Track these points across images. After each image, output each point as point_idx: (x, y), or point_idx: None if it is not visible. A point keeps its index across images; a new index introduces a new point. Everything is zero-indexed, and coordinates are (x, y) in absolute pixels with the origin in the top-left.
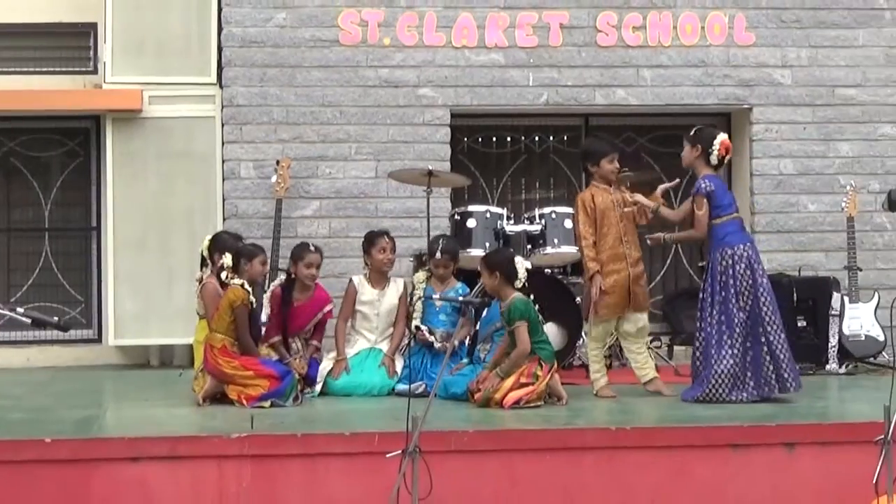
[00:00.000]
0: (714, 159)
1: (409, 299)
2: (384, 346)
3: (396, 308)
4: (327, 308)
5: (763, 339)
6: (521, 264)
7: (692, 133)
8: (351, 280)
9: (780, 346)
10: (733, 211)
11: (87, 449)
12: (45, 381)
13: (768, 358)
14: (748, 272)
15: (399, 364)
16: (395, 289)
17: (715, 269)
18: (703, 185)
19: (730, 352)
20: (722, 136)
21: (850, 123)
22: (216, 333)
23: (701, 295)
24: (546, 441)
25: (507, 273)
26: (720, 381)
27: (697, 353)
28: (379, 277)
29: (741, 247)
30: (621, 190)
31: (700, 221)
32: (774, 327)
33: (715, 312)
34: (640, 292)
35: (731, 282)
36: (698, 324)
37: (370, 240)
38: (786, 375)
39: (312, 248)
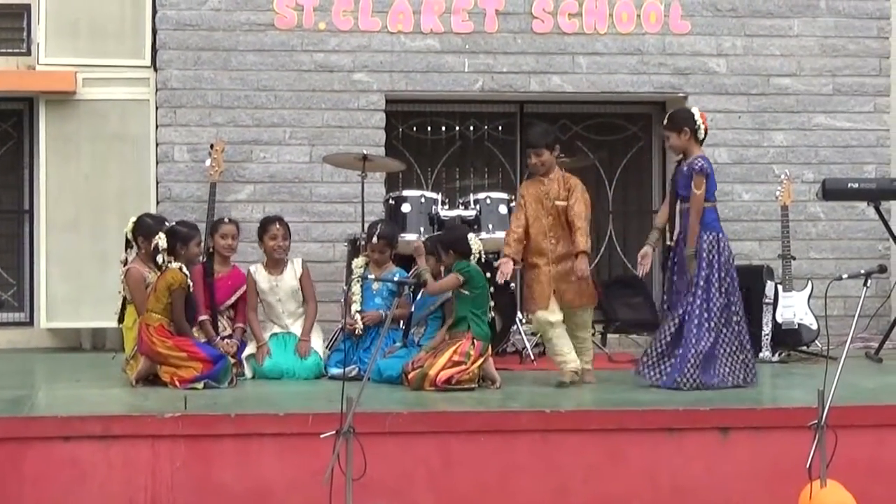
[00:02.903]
0: (702, 134)
1: (347, 282)
2: (298, 329)
3: (298, 289)
4: (243, 288)
5: (737, 328)
6: (475, 241)
7: (670, 120)
8: (248, 271)
9: (747, 338)
10: (714, 199)
11: (19, 427)
12: None
13: (739, 346)
14: (729, 260)
15: (317, 341)
16: (291, 271)
17: (702, 249)
18: (703, 165)
19: (707, 334)
20: (697, 110)
21: (785, 113)
22: (153, 313)
23: (674, 277)
24: (481, 423)
25: (461, 251)
26: (696, 361)
27: (667, 335)
28: (275, 263)
29: (722, 235)
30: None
31: (699, 200)
32: (742, 317)
33: (700, 292)
34: (566, 289)
35: (716, 265)
36: (673, 304)
37: (263, 226)
38: (750, 366)
39: (227, 220)
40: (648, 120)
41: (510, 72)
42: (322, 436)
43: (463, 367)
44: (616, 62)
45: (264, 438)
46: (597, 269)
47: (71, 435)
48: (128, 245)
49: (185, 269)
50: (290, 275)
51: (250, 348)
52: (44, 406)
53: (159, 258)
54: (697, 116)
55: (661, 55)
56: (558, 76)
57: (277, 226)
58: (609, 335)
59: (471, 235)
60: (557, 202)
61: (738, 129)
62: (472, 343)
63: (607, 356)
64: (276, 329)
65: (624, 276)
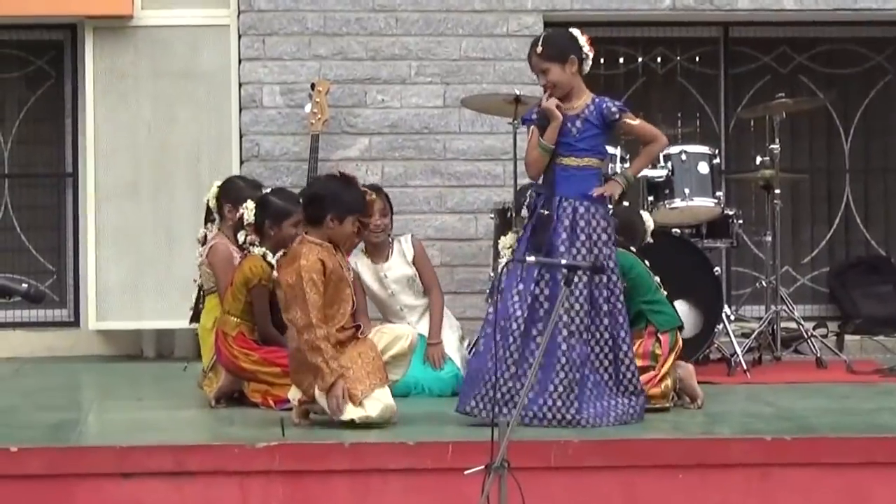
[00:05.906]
0: (588, 66)
1: (495, 267)
2: (424, 328)
3: (414, 276)
4: None
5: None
6: (649, 221)
7: (548, 45)
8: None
9: None
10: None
11: (66, 461)
12: (8, 376)
13: None
14: None
15: (451, 341)
16: (399, 254)
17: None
18: (615, 101)
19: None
20: (576, 31)
21: None
22: (230, 317)
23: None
24: (677, 455)
25: (630, 235)
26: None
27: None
28: (376, 248)
29: None
30: None
31: (647, 128)
32: None
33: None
34: None
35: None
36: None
37: None
38: None
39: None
40: None
41: None
42: (467, 472)
43: (651, 372)
44: None
45: (388, 475)
46: (829, 247)
47: (133, 471)
48: (208, 217)
49: (269, 257)
50: (399, 259)
51: None
52: (96, 433)
53: (240, 235)
54: (584, 41)
55: None
56: None
57: (373, 197)
58: (847, 336)
59: (644, 214)
60: None
61: None
62: (657, 338)
63: (846, 364)
64: None
65: (867, 257)
